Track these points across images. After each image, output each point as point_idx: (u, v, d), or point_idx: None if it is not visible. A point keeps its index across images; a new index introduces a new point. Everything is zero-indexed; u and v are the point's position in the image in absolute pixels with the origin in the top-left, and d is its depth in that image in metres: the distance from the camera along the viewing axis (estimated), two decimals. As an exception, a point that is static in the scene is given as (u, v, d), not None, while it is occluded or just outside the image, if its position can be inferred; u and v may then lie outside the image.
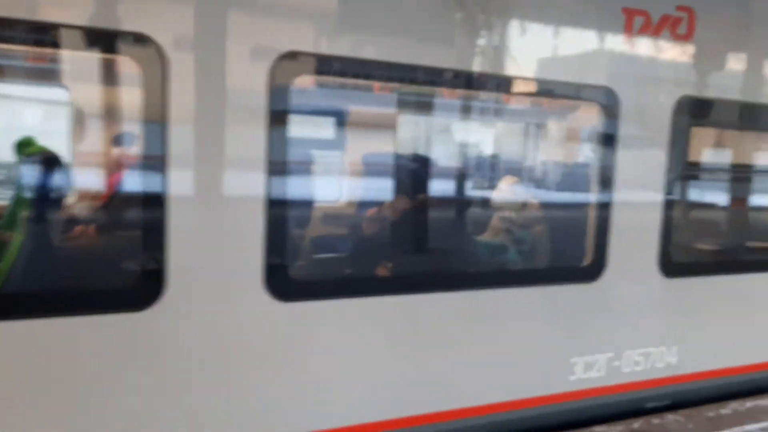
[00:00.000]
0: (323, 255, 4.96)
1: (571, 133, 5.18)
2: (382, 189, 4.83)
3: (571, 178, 5.08)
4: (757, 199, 5.72)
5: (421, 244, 4.71)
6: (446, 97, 4.80)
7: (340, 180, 5.72)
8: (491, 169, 5.41)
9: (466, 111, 5.12)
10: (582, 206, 4.71)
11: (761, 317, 5.49)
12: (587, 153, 4.81)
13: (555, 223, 4.92)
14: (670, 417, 4.77)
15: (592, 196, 4.62)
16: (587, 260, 4.64)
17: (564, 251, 4.84)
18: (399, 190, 4.77)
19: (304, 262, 4.61)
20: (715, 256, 5.37)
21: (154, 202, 3.29)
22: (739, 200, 5.60)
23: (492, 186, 5.50)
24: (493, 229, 5.08)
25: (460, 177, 5.37)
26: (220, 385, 3.56)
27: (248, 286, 3.53)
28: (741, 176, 5.54)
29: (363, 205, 5.13)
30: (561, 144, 5.38)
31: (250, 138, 3.45)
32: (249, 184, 3.50)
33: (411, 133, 5.23)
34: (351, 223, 5.22)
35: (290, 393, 3.77)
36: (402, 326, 4.05)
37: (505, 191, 5.22)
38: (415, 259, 4.47)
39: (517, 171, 5.27)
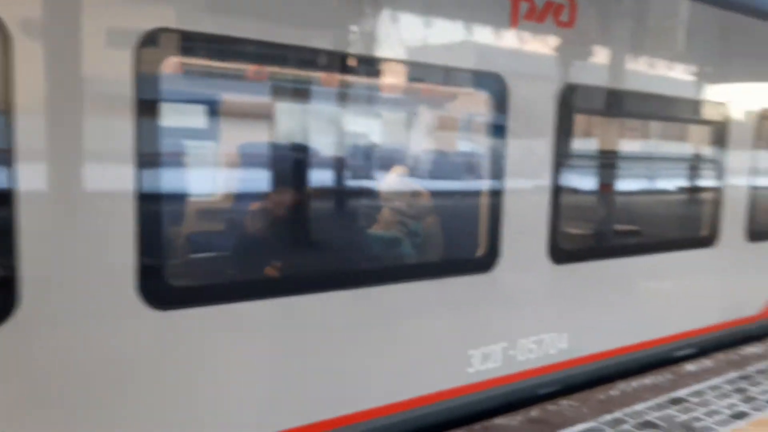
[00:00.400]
0: (202, 255, 4.55)
1: (462, 121, 5.11)
2: (263, 181, 4.50)
3: (462, 167, 5.01)
4: (640, 184, 5.96)
5: (311, 241, 4.43)
6: (331, 83, 4.56)
7: (217, 172, 5.29)
8: (379, 159, 5.22)
9: (351, 98, 4.90)
10: (474, 196, 4.63)
11: (644, 298, 5.71)
12: (478, 141, 4.74)
13: (448, 214, 4.82)
14: (564, 402, 4.81)
15: (485, 186, 4.55)
16: (481, 251, 4.57)
17: (458, 243, 4.75)
18: (283, 182, 4.46)
19: (183, 263, 4.19)
20: (600, 242, 5.51)
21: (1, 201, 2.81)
22: (622, 186, 5.80)
23: (380, 177, 5.31)
24: (384, 222, 4.89)
25: (346, 168, 5.13)
26: (91, 408, 3.11)
27: (119, 294, 3.11)
28: (624, 162, 5.73)
29: (242, 198, 4.74)
30: (451, 132, 5.30)
31: (115, 128, 3.04)
32: (116, 179, 3.07)
33: (291, 121, 4.92)
34: (231, 219, 4.83)
35: (172, 414, 3.37)
36: (291, 332, 3.76)
37: (395, 182, 5.05)
38: (305, 256, 4.18)
39: (407, 161, 5.11)
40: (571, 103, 4.85)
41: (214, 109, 4.49)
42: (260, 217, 4.39)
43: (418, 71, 4.28)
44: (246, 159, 4.98)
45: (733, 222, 6.34)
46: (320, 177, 4.43)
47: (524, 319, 4.87)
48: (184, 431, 3.42)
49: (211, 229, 4.53)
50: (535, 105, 4.68)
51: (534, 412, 4.63)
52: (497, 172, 4.54)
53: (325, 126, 4.81)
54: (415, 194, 4.98)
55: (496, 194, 4.55)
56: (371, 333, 4.07)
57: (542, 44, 4.66)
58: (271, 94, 4.42)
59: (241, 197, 4.69)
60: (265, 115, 4.64)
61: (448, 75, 4.37)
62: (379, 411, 4.14)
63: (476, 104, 4.64)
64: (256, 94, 4.53)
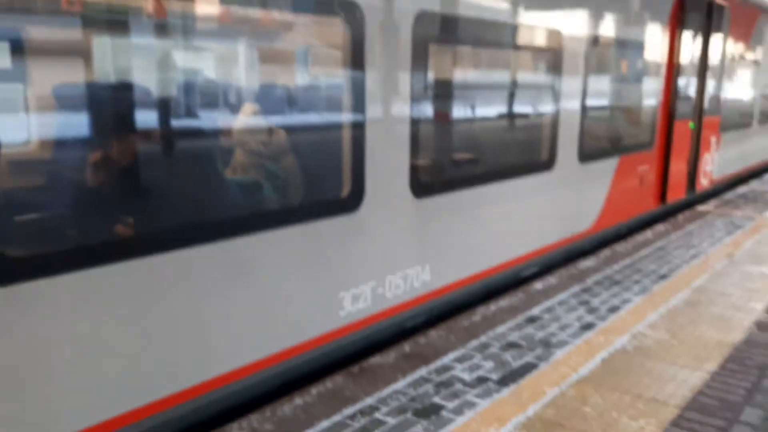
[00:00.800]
0: (25, 217, 3.91)
1: (318, 51, 4.79)
2: (87, 128, 3.91)
3: (321, 101, 4.73)
4: (490, 112, 6.07)
5: (154, 194, 3.95)
6: (160, 13, 4.00)
7: (26, 119, 4.50)
8: (227, 97, 4.77)
9: (189, 30, 4.37)
10: (335, 133, 4.42)
11: (496, 224, 5.92)
12: (335, 73, 4.48)
13: (308, 153, 4.56)
14: (433, 333, 4.91)
15: (345, 121, 4.35)
16: (346, 191, 4.40)
17: (321, 184, 4.54)
18: (114, 128, 3.90)
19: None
20: (457, 172, 5.58)
21: None
22: (472, 114, 5.87)
23: (230, 117, 4.89)
24: (240, 166, 4.53)
25: (186, 109, 4.63)
26: None
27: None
28: (476, 91, 5.78)
29: (63, 148, 4.07)
30: (306, 64, 4.96)
31: None
32: None
33: (115, 58, 4.30)
34: (52, 173, 4.16)
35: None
36: (144, 299, 3.38)
37: (247, 121, 4.65)
38: (150, 212, 3.72)
39: (259, 98, 4.72)
40: (426, 32, 4.74)
41: (20, 47, 3.76)
42: (95, 169, 3.82)
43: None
44: (62, 102, 4.29)
45: (567, 146, 6.74)
46: (154, 120, 3.93)
47: (391, 256, 4.84)
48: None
49: (27, 186, 3.87)
50: (391, 33, 4.51)
51: (407, 346, 4.67)
52: (357, 106, 4.34)
53: (160, 62, 4.26)
54: (270, 133, 4.64)
55: (357, 129, 4.36)
56: (236, 289, 3.78)
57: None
58: (87, 27, 3.78)
59: (62, 147, 4.03)
60: (82, 52, 3.99)
61: (299, 1, 4.02)
62: (254, 367, 3.93)
63: (332, 33, 4.35)
64: (71, 28, 3.86)
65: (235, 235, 3.76)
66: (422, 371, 4.30)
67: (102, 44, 4.06)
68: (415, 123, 4.76)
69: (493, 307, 5.50)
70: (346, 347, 4.58)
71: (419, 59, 4.72)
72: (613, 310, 5.44)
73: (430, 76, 5.03)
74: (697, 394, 3.98)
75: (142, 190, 3.75)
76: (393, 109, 4.62)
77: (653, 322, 5.16)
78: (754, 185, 11.92)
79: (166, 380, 3.49)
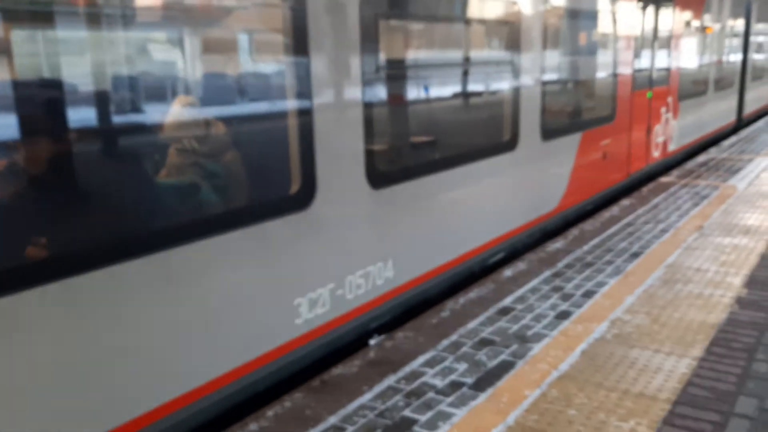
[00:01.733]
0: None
1: (255, 33, 4.32)
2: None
3: (264, 90, 4.27)
4: (449, 93, 5.68)
5: (80, 205, 3.45)
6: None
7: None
8: (158, 90, 4.25)
9: (113, 19, 3.85)
10: (280, 123, 3.97)
11: (459, 210, 5.57)
12: (276, 56, 4.02)
13: (252, 147, 4.10)
14: (400, 335, 4.53)
15: (290, 109, 3.91)
16: (295, 187, 3.97)
17: (268, 180, 4.09)
18: (33, 130, 3.38)
19: None
20: (420, 158, 5.19)
21: None
22: (431, 95, 5.48)
23: (161, 111, 4.39)
24: (175, 167, 4.04)
25: (114, 105, 4.12)
26: None
27: None
28: (439, 70, 5.38)
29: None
30: (246, 49, 4.48)
31: None
32: None
33: (35, 52, 3.77)
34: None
35: None
36: (74, 325, 2.92)
37: (181, 115, 4.16)
38: (75, 226, 3.23)
39: (193, 89, 4.23)
40: (375, 7, 4.31)
41: None
42: (13, 178, 3.30)
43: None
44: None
45: (530, 124, 6.41)
46: (79, 119, 3.42)
47: (349, 254, 4.44)
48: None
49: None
50: (337, 11, 4.07)
51: (372, 353, 4.28)
52: (303, 92, 3.90)
53: (81, 56, 3.73)
54: (207, 127, 4.16)
55: (304, 118, 3.93)
56: (173, 308, 3.33)
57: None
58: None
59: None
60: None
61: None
62: (198, 392, 3.49)
63: (271, 14, 3.89)
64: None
65: (169, 247, 3.29)
66: (390, 380, 3.92)
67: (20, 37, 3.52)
68: (368, 108, 4.35)
69: (462, 300, 5.14)
70: (305, 358, 4.18)
71: (369, 37, 4.30)
72: (588, 295, 5.15)
73: (382, 55, 4.62)
74: (687, 385, 3.70)
75: (54, 202, 3.24)
76: (343, 93, 4.19)
77: (631, 306, 4.88)
78: (713, 152, 11.85)
79: (90, 419, 3.03)
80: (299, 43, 3.83)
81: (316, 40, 3.88)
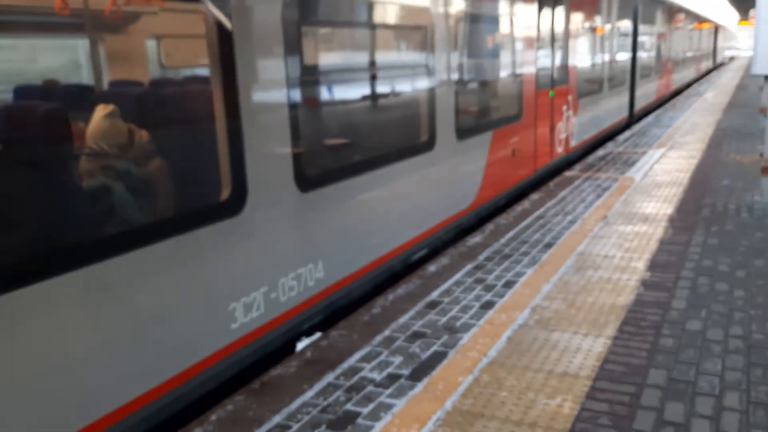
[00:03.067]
0: None
1: (178, 37, 4.28)
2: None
3: (188, 95, 4.24)
4: (378, 93, 5.81)
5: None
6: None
7: None
8: (73, 95, 4.12)
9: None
10: (209, 129, 3.97)
11: (384, 209, 5.73)
12: (202, 60, 4.01)
13: (181, 155, 4.08)
14: (334, 334, 4.64)
15: (219, 114, 3.92)
16: (226, 193, 3.99)
17: (199, 187, 4.09)
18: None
19: None
20: (346, 160, 5.30)
21: None
22: (354, 98, 5.60)
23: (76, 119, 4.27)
24: (95, 178, 3.96)
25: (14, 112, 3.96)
26: None
27: None
28: (361, 73, 5.50)
29: None
30: (168, 51, 4.43)
31: None
32: None
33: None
34: None
35: None
36: None
37: (103, 125, 4.08)
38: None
39: (113, 96, 4.14)
40: (297, 12, 4.39)
41: None
42: None
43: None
44: None
45: (445, 124, 6.67)
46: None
47: (281, 257, 4.50)
48: None
49: None
50: (261, 15, 4.12)
51: (308, 352, 4.36)
52: (231, 98, 3.93)
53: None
54: (131, 135, 4.10)
55: (234, 124, 3.96)
56: (102, 327, 3.27)
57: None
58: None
59: None
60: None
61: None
62: (140, 401, 3.46)
63: (195, 18, 3.89)
64: None
65: (94, 262, 3.22)
66: (329, 377, 4.02)
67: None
68: (293, 112, 4.42)
69: (391, 296, 5.31)
70: (243, 361, 4.20)
71: (292, 42, 4.37)
72: (509, 285, 5.44)
73: (305, 59, 4.70)
74: (604, 362, 4.02)
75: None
76: (270, 97, 4.25)
77: (549, 293, 5.21)
78: (610, 147, 12.65)
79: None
80: (225, 47, 3.85)
81: (240, 45, 3.92)
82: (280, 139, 4.35)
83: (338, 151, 5.34)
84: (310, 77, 4.79)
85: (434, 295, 5.30)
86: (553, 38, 10.04)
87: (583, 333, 4.46)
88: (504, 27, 8.28)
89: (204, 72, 4.07)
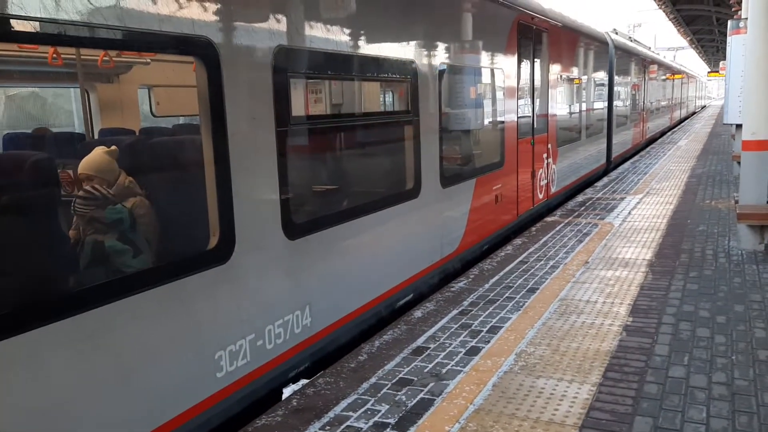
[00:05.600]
0: None
1: (170, 89, 4.37)
2: None
3: (179, 144, 4.31)
4: (363, 143, 5.92)
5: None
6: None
7: None
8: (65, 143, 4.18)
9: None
10: (197, 179, 4.02)
11: (371, 256, 5.78)
12: (193, 112, 4.09)
13: (171, 205, 4.12)
14: (320, 381, 4.61)
15: (208, 163, 3.97)
16: (214, 241, 4.02)
17: (187, 236, 4.11)
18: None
19: None
20: (333, 208, 5.36)
21: None
22: (350, 147, 5.70)
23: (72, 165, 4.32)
24: (87, 227, 3.99)
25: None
26: None
27: None
28: (347, 123, 5.61)
29: None
30: (158, 104, 4.51)
31: None
32: None
33: None
34: None
35: None
36: None
37: (100, 159, 4.11)
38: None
39: (111, 141, 4.20)
40: (286, 66, 4.51)
41: None
42: None
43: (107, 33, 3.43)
44: None
45: (430, 172, 6.79)
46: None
47: (268, 304, 4.50)
48: None
49: None
50: (250, 71, 4.22)
51: (294, 400, 4.33)
52: (220, 146, 3.99)
53: None
54: (125, 183, 4.14)
55: (222, 172, 4.00)
56: (85, 376, 3.24)
57: (252, 2, 4.18)
58: None
59: None
60: None
61: (142, 39, 3.59)
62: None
63: (186, 72, 3.98)
64: None
65: (78, 311, 3.21)
66: (315, 426, 3.98)
67: None
68: (282, 160, 4.49)
69: (377, 342, 5.30)
70: (228, 410, 4.16)
71: (281, 94, 4.47)
72: (494, 330, 5.47)
73: (295, 110, 4.80)
74: (590, 410, 4.04)
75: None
76: (259, 147, 4.32)
77: (533, 339, 5.24)
78: (589, 193, 12.89)
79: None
80: (215, 98, 3.93)
81: (231, 96, 3.99)
82: (268, 187, 4.41)
83: (326, 198, 5.41)
84: (298, 126, 4.88)
85: (420, 341, 5.31)
86: (533, 89, 10.32)
87: (568, 379, 4.48)
88: (485, 78, 8.51)
89: (194, 121, 4.14)
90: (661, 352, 4.88)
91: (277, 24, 4.42)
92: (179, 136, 4.29)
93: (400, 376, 4.66)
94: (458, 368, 4.74)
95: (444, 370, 4.72)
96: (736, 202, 8.15)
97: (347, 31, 5.28)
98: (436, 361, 4.89)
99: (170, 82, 4.34)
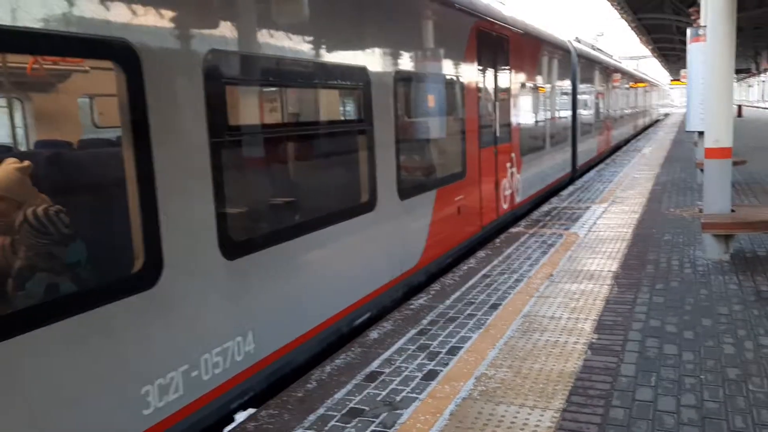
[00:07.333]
0: None
1: (82, 101, 3.98)
2: None
3: (95, 157, 3.91)
4: (310, 154, 5.57)
5: None
6: None
7: None
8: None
9: None
10: (118, 195, 3.63)
11: (322, 273, 5.43)
12: (112, 121, 3.71)
13: (87, 224, 3.72)
14: (263, 414, 4.24)
15: (129, 177, 3.59)
16: (138, 264, 3.63)
17: (103, 259, 3.71)
18: None
19: None
20: (279, 223, 5.00)
21: None
22: (297, 158, 5.35)
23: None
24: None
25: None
26: None
27: None
28: (292, 132, 5.26)
29: None
30: (70, 115, 4.11)
31: None
32: None
33: None
34: None
35: None
36: None
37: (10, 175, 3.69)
38: None
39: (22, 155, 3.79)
40: (220, 72, 4.16)
41: None
42: None
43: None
44: None
45: (387, 184, 6.48)
46: None
47: (204, 332, 4.12)
48: None
49: None
50: (178, 77, 3.86)
51: (233, 437, 3.96)
52: (144, 158, 3.61)
53: None
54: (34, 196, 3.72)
55: (146, 187, 3.63)
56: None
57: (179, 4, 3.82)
58: None
59: None
60: None
61: (50, 43, 3.21)
62: None
63: (105, 80, 3.60)
64: None
65: None
66: (254, 467, 3.61)
67: None
68: (218, 175, 4.13)
69: (328, 368, 4.95)
70: (158, 452, 3.76)
71: (215, 101, 4.11)
72: (453, 351, 5.16)
73: (232, 119, 4.45)
74: (553, 440, 3.75)
75: None
76: (190, 160, 3.95)
77: (494, 360, 4.94)
78: (554, 202, 12.72)
79: None
80: (136, 107, 3.56)
81: (154, 104, 3.63)
82: (202, 204, 4.04)
83: (270, 214, 5.05)
84: (236, 137, 4.53)
85: (374, 365, 4.96)
86: (495, 97, 10.10)
87: (530, 405, 4.18)
88: (444, 86, 8.25)
89: (115, 132, 3.75)
90: (627, 372, 4.62)
91: (210, 25, 4.07)
92: (97, 149, 3.90)
93: (351, 405, 4.31)
94: (414, 395, 4.41)
95: (398, 398, 4.38)
96: (701, 211, 7.99)
97: (293, 34, 4.96)
98: (391, 387, 4.56)
99: (89, 91, 3.95)
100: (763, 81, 63.36)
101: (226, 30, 4.21)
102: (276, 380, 4.88)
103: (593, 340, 5.26)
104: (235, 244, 4.34)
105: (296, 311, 5.08)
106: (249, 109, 4.81)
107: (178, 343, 3.90)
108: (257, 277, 4.60)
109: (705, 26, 12.82)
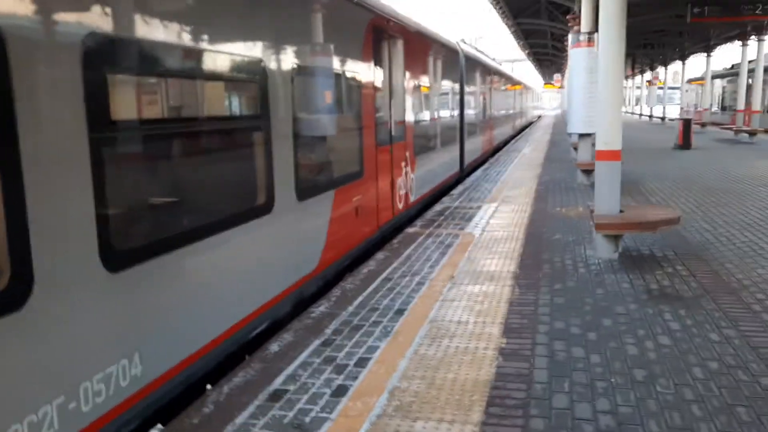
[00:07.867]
0: None
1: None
2: None
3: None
4: (200, 151, 5.03)
5: None
6: None
7: None
8: None
9: None
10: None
11: (226, 281, 4.98)
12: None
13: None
14: (155, 447, 3.74)
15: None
16: (3, 282, 3.04)
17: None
18: None
19: None
20: (169, 230, 4.46)
21: None
22: (189, 156, 4.81)
23: None
24: None
25: None
26: None
27: None
28: (178, 127, 4.71)
29: None
30: None
31: None
32: None
33: None
34: None
35: None
36: None
37: None
38: None
39: None
40: (101, 58, 3.60)
41: None
42: None
43: None
44: None
45: (284, 184, 6.08)
46: None
47: (82, 357, 3.56)
48: None
49: None
50: (51, 63, 3.28)
51: (120, 478, 3.43)
52: (9, 158, 3.04)
53: None
54: None
55: (12, 192, 3.05)
56: None
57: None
58: None
59: None
60: None
61: None
62: None
63: None
64: None
65: None
66: None
67: None
68: (99, 175, 3.58)
69: (226, 388, 4.49)
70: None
71: (95, 92, 3.56)
72: (362, 363, 4.87)
73: (115, 112, 3.89)
74: (477, 458, 3.55)
75: None
76: (65, 159, 3.38)
77: (406, 371, 4.71)
78: (446, 201, 12.80)
79: None
80: (2, 97, 2.98)
81: (23, 95, 3.05)
82: (79, 209, 3.47)
83: (159, 220, 4.51)
84: (120, 132, 3.98)
85: (278, 382, 4.57)
86: (390, 94, 9.93)
87: (448, 420, 3.97)
88: (341, 82, 7.94)
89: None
90: (540, 379, 4.54)
91: (89, 6, 3.50)
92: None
93: (255, 431, 3.90)
94: (324, 414, 4.08)
95: (308, 419, 4.03)
96: (592, 211, 8.23)
97: (185, 21, 4.45)
98: (298, 407, 4.19)
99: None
100: (628, 87, 68.38)
101: (108, 11, 3.66)
102: (167, 404, 4.37)
103: (503, 345, 5.17)
104: (118, 255, 3.80)
105: (188, 327, 4.59)
106: (136, 99, 4.25)
107: (51, 371, 3.33)
108: (144, 291, 4.08)
109: (588, 33, 13.41)
